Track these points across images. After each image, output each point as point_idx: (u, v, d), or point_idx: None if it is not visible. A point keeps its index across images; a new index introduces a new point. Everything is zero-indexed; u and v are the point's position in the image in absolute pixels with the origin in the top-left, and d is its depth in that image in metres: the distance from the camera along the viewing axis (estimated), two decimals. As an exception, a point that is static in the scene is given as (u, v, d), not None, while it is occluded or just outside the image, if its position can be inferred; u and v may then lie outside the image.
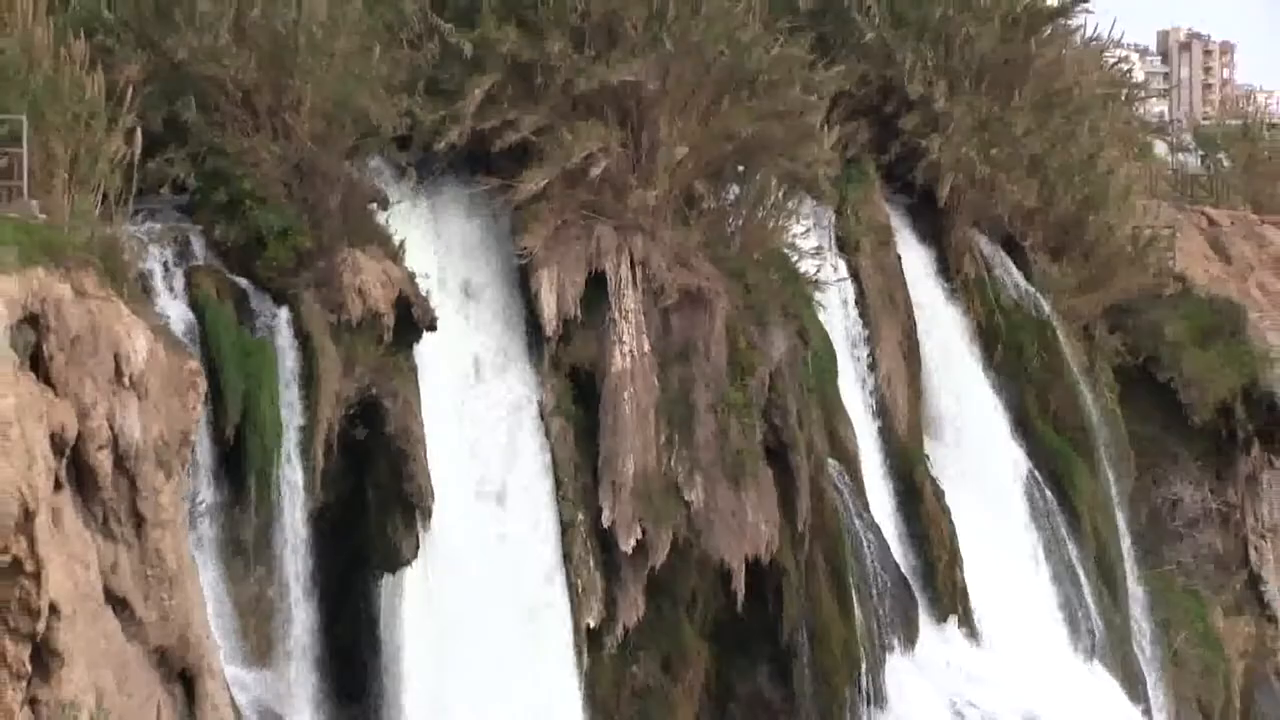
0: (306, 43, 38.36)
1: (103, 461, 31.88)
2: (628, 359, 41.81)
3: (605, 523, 41.02)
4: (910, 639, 46.59)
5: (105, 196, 35.29)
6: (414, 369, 38.54)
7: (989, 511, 50.81)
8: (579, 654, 40.91)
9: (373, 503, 37.84)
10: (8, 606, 28.77)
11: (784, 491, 43.75)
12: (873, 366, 49.45)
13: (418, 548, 37.93)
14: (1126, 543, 53.72)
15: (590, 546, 41.08)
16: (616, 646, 41.61)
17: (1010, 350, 52.88)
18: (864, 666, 44.19)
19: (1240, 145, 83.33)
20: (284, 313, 36.70)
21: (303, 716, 36.12)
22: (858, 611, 44.44)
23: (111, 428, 31.98)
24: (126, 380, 32.40)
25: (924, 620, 47.25)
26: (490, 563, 40.12)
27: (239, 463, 35.94)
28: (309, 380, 36.63)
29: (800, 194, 46.72)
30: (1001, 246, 53.96)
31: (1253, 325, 58.55)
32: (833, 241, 48.89)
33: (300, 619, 36.47)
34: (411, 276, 38.45)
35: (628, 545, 41.12)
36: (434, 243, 40.89)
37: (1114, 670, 51.30)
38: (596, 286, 41.75)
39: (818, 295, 47.17)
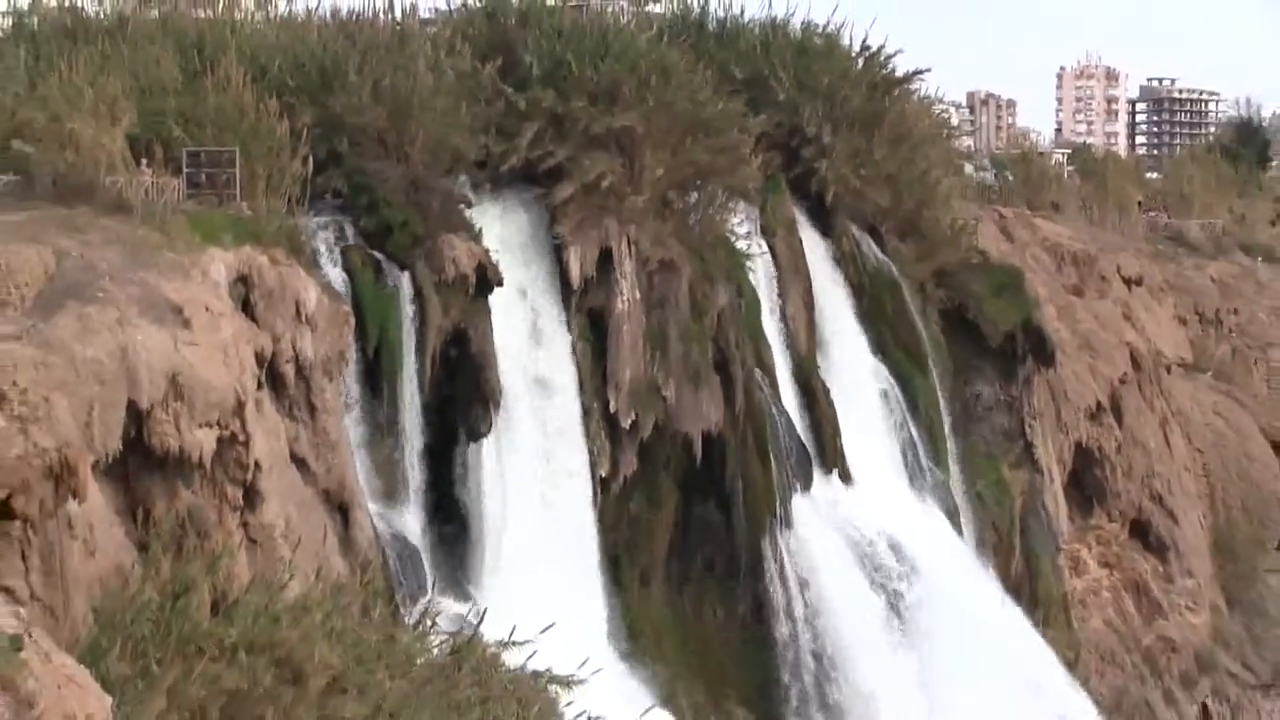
0: (418, 101, 38.49)
1: (288, 371, 32.11)
2: (625, 304, 41.84)
3: (611, 410, 41.12)
4: (807, 485, 46.64)
5: (289, 200, 35.57)
6: (489, 310, 38.64)
7: (858, 402, 50.78)
8: (595, 494, 40.99)
9: (461, 398, 37.94)
10: (228, 463, 28.93)
11: (726, 391, 43.89)
12: (784, 310, 49.39)
13: (491, 426, 38.10)
14: (947, 422, 53.68)
15: (602, 425, 41.15)
16: (618, 490, 41.73)
17: (872, 299, 52.78)
18: (778, 502, 44.27)
19: (1019, 166, 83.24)
20: (405, 275, 36.95)
21: (417, 535, 36.29)
22: (774, 467, 44.53)
23: (294, 349, 32.23)
24: (303, 318, 32.62)
25: (816, 472, 47.30)
26: (538, 435, 40.23)
27: (376, 372, 36.18)
28: (421, 318, 36.95)
29: (737, 199, 46.69)
30: (867, 233, 53.83)
31: (1028, 282, 58.44)
32: (758, 229, 48.76)
33: (416, 472, 36.72)
34: (486, 251, 38.54)
35: (626, 424, 41.28)
36: (501, 230, 40.88)
37: (939, 504, 51.31)
38: (605, 258, 41.74)
39: (749, 264, 47.17)
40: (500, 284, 38.70)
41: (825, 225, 52.82)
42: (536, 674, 30.72)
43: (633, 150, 42.70)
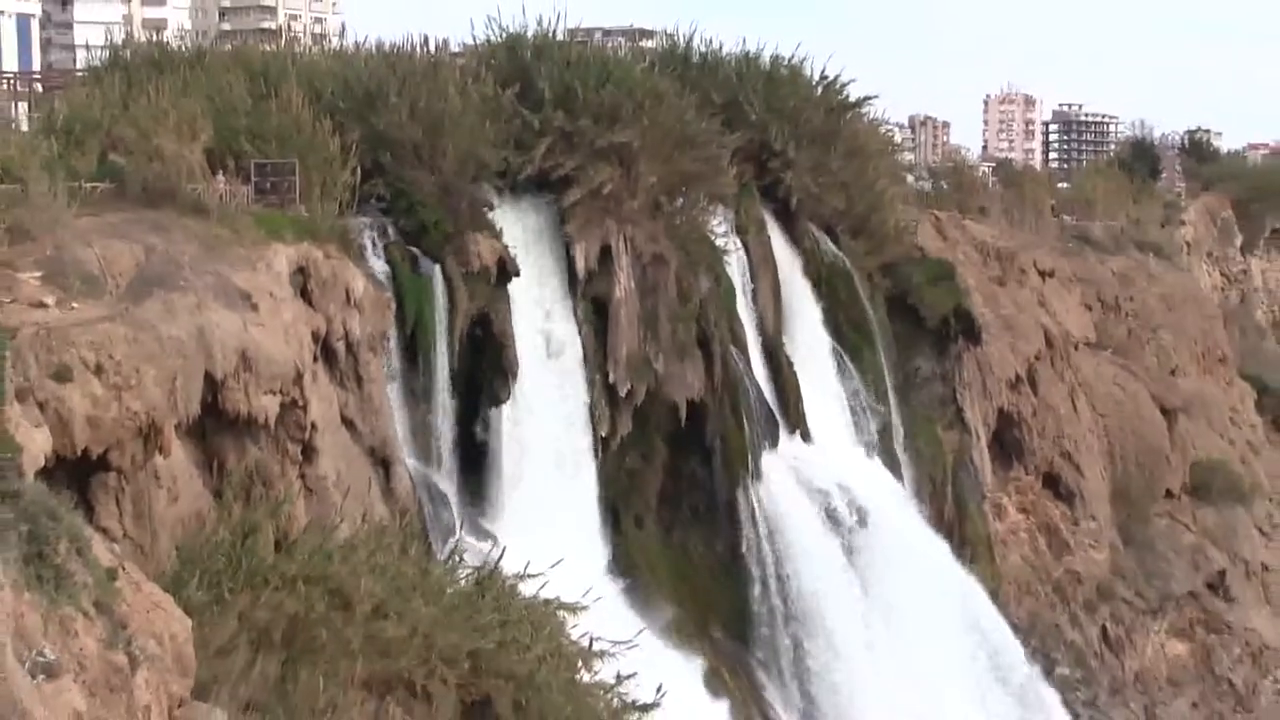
0: (449, 120, 38.24)
1: (340, 347, 31.96)
2: (623, 292, 41.67)
3: (610, 380, 40.99)
4: (774, 442, 46.57)
5: (340, 204, 35.35)
6: (508, 298, 38.45)
7: (816, 373, 50.72)
8: (596, 450, 40.91)
9: (485, 370, 37.82)
10: (289, 425, 28.82)
11: (707, 363, 43.75)
12: (755, 296, 49.28)
13: (510, 394, 37.95)
14: (891, 391, 53.58)
15: (602, 392, 41.03)
16: (616, 447, 41.63)
17: (829, 287, 52.63)
18: (750, 457, 44.21)
19: (952, 177, 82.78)
20: (437, 267, 36.69)
21: (448, 485, 36.20)
22: (747, 428, 44.46)
23: (344, 329, 32.03)
24: (352, 303, 32.43)
25: (782, 433, 47.22)
26: (549, 402, 40.12)
27: (413, 348, 36.00)
28: (451, 304, 36.72)
29: (716, 203, 46.58)
30: (825, 231, 53.69)
31: (959, 274, 58.31)
32: (733, 228, 48.61)
33: (447, 433, 36.61)
34: (506, 247, 38.36)
35: (623, 392, 41.12)
36: (519, 229, 40.68)
37: (884, 459, 51.34)
38: (606, 253, 41.55)
39: (726, 258, 47.00)
40: (518, 274, 38.52)
41: (790, 225, 52.67)
42: (548, 601, 30.66)
43: (630, 161, 42.51)
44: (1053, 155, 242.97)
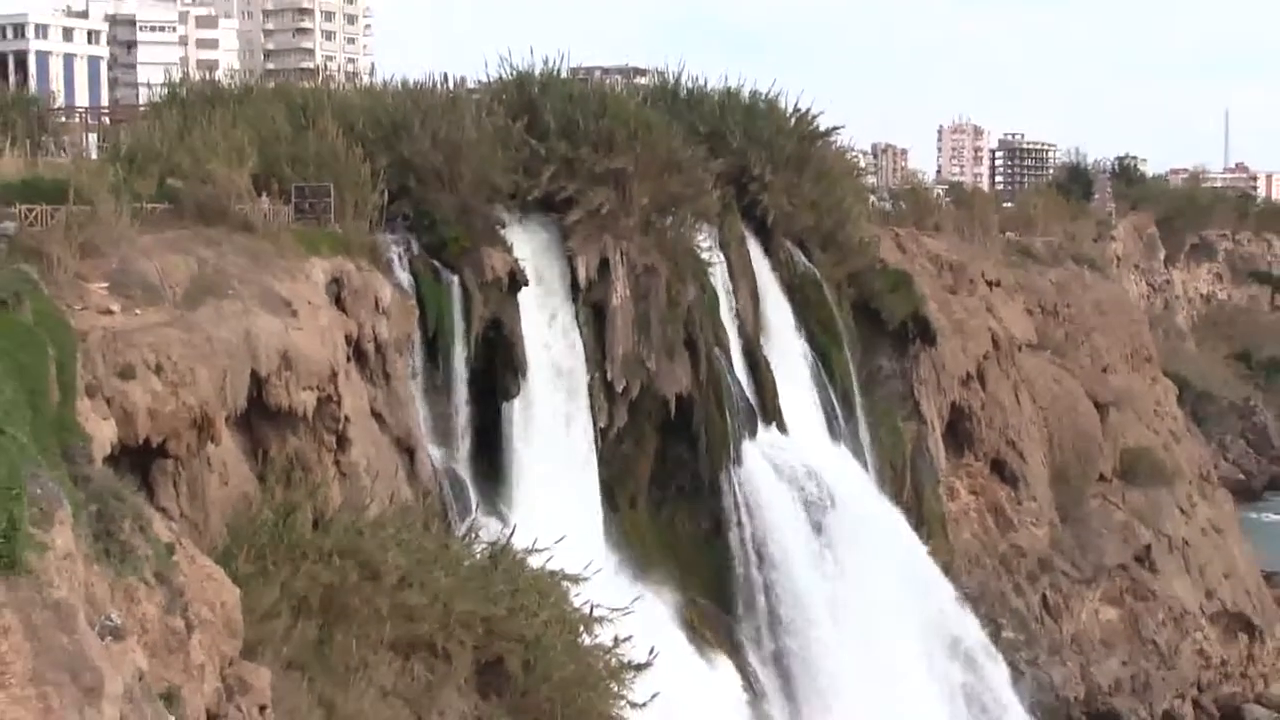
0: (466, 148, 38.23)
1: (370, 349, 31.97)
2: (619, 299, 41.64)
3: (608, 377, 40.97)
4: (752, 432, 46.51)
5: (370, 222, 35.32)
6: (518, 305, 38.42)
7: (790, 371, 50.66)
8: (595, 439, 40.87)
9: (498, 367, 37.80)
10: (325, 417, 28.82)
11: (694, 362, 43.71)
12: (736, 303, 49.19)
13: (519, 388, 37.92)
14: (856, 387, 53.49)
15: (601, 388, 40.98)
16: (613, 436, 41.60)
17: (801, 295, 52.56)
18: (731, 445, 44.17)
19: (910, 198, 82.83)
20: (455, 278, 36.63)
21: (465, 470, 36.19)
22: (729, 419, 44.43)
23: (374, 332, 32.05)
24: (381, 310, 32.45)
25: (760, 424, 47.15)
26: (554, 395, 40.07)
27: (434, 349, 35.98)
28: (467, 310, 36.64)
29: (701, 221, 46.49)
30: (797, 246, 53.63)
31: (916, 283, 58.24)
32: (717, 243, 48.55)
33: (463, 423, 36.59)
34: (516, 260, 38.33)
35: (619, 388, 41.07)
36: (527, 245, 40.64)
37: (850, 447, 51.28)
38: (604, 265, 41.50)
39: (710, 269, 46.94)
40: (526, 284, 38.51)
41: (766, 240, 52.60)
42: (552, 573, 30.75)
43: (625, 184, 42.49)
44: (998, 178, 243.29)
